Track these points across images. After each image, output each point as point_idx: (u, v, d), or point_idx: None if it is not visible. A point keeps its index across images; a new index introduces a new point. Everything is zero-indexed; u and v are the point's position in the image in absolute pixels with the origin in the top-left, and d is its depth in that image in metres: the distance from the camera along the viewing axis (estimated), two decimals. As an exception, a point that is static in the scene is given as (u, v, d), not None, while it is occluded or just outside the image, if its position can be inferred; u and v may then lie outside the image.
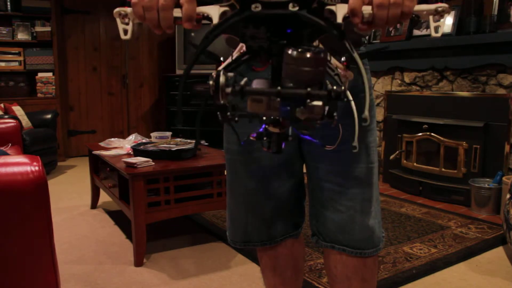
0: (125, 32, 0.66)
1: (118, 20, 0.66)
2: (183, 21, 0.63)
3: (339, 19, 0.60)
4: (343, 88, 0.55)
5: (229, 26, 0.60)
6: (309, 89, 0.54)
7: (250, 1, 0.58)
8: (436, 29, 0.64)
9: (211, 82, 0.56)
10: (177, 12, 0.63)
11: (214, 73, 0.57)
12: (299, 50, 0.55)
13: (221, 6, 0.61)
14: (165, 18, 0.63)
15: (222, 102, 0.57)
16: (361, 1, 0.60)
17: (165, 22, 0.64)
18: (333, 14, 0.61)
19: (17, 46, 4.78)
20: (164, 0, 0.62)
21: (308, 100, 0.54)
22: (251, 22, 0.60)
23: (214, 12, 0.62)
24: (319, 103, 0.55)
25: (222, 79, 0.56)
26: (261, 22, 0.60)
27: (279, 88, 0.55)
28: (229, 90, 0.56)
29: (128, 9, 0.66)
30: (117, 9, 0.66)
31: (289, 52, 0.55)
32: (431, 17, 0.64)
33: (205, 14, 0.63)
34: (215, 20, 0.62)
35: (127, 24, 0.67)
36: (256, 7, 0.58)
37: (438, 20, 0.64)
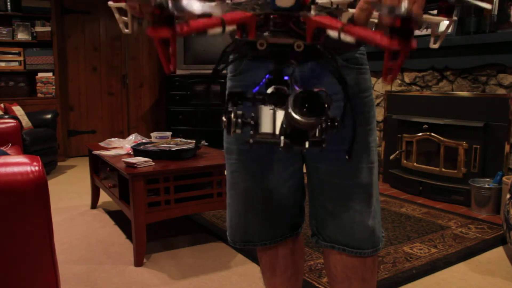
0: (125, 25, 0.66)
1: (116, 14, 0.66)
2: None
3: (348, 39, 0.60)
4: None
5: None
6: (307, 144, 0.60)
7: (254, 41, 0.59)
8: (435, 40, 0.64)
9: (224, 119, 0.62)
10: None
11: (225, 110, 0.63)
12: (302, 111, 0.58)
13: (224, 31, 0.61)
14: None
15: (232, 135, 0.62)
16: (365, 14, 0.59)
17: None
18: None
19: (17, 46, 4.78)
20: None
21: (307, 146, 0.61)
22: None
23: (217, 32, 0.62)
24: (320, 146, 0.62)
25: (233, 118, 0.62)
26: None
27: (282, 138, 0.61)
28: (239, 131, 0.63)
29: (122, 4, 0.65)
30: (111, 3, 0.65)
31: (291, 112, 0.58)
32: (432, 28, 0.65)
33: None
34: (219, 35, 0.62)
35: (126, 16, 0.66)
36: (261, 45, 0.58)
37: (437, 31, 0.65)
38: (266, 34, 0.59)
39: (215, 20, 0.58)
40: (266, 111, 0.63)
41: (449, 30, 0.65)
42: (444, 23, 0.65)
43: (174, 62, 0.60)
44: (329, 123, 0.61)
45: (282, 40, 0.58)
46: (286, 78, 0.63)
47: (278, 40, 0.58)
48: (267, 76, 0.65)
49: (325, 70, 0.96)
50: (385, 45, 0.53)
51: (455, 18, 0.64)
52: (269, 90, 0.63)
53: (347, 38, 0.57)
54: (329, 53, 0.61)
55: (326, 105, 0.59)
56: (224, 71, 1.11)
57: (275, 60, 0.63)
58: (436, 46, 0.65)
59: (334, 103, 0.65)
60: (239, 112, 0.63)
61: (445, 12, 0.65)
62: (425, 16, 0.64)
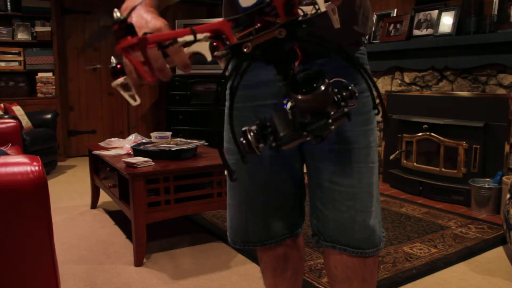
0: (133, 98, 0.67)
1: (121, 91, 0.67)
2: (181, 70, 0.65)
3: (321, 4, 0.60)
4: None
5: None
6: (330, 120, 0.61)
7: (239, 45, 0.59)
8: (337, 22, 0.64)
9: (243, 141, 0.63)
10: (170, 63, 0.64)
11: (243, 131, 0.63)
12: (302, 91, 0.59)
13: (207, 39, 0.61)
14: (165, 76, 0.65)
15: (258, 153, 0.64)
16: None
17: (166, 78, 0.65)
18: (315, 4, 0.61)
19: (17, 46, 4.78)
20: (157, 63, 0.62)
21: (331, 121, 0.61)
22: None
23: (204, 49, 0.62)
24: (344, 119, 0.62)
25: (251, 138, 0.63)
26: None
27: (304, 132, 0.62)
28: (262, 145, 0.64)
29: (122, 79, 0.66)
30: (114, 83, 0.66)
31: (296, 96, 0.60)
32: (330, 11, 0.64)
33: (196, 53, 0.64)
34: (208, 56, 0.62)
35: (130, 90, 0.67)
36: (246, 48, 0.59)
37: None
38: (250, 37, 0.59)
39: (185, 29, 0.58)
40: (280, 114, 0.63)
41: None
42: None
43: (152, 71, 0.61)
44: (344, 92, 0.62)
45: (264, 37, 0.58)
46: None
47: (261, 39, 0.58)
48: (286, 99, 0.65)
49: (333, 66, 0.96)
50: None
51: None
52: (289, 105, 0.64)
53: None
54: (337, 46, 0.61)
55: (324, 74, 0.59)
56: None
57: (282, 76, 0.63)
58: (338, 26, 0.65)
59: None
60: (253, 128, 0.63)
61: None
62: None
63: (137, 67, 0.61)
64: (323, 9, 0.60)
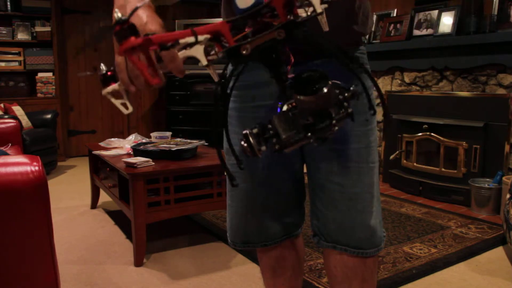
0: (125, 106, 0.66)
1: (111, 99, 0.65)
2: (176, 75, 0.64)
3: (317, 5, 0.59)
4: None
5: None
6: (333, 121, 0.60)
7: (237, 47, 0.58)
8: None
9: (244, 145, 0.62)
10: (163, 68, 0.63)
11: (244, 133, 0.62)
12: (305, 91, 0.59)
13: (200, 43, 0.60)
14: (162, 78, 0.64)
15: (260, 156, 0.63)
16: None
17: (162, 81, 0.64)
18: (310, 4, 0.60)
19: (17, 46, 4.78)
20: (174, 63, 0.61)
21: (334, 122, 0.61)
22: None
23: (198, 53, 0.61)
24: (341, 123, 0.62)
25: (253, 141, 0.62)
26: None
27: (307, 134, 0.61)
28: (264, 148, 0.62)
29: (115, 85, 0.65)
30: (104, 91, 0.64)
31: (299, 98, 0.59)
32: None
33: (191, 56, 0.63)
34: (203, 61, 0.61)
35: (121, 97, 0.66)
36: (245, 50, 0.58)
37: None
38: (248, 39, 0.59)
39: (186, 31, 0.58)
40: (281, 117, 0.63)
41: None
42: None
43: (156, 73, 0.60)
44: (346, 93, 0.62)
45: (263, 38, 0.58)
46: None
47: (260, 40, 0.58)
48: (279, 103, 0.65)
49: (331, 67, 0.96)
50: None
51: None
52: (284, 108, 0.63)
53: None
54: (335, 47, 0.61)
55: (326, 75, 0.59)
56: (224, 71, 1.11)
57: (277, 80, 0.62)
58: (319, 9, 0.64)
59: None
60: (255, 131, 0.63)
61: None
62: None
63: (143, 70, 0.60)
64: (319, 10, 0.59)
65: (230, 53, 0.59)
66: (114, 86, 0.65)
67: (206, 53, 0.61)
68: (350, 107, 0.62)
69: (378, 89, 0.67)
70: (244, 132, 0.63)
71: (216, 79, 0.63)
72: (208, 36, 0.59)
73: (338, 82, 0.63)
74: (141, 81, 0.63)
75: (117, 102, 0.65)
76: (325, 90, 0.58)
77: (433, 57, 3.39)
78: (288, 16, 0.58)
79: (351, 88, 0.63)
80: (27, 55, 4.80)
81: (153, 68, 0.61)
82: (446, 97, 3.34)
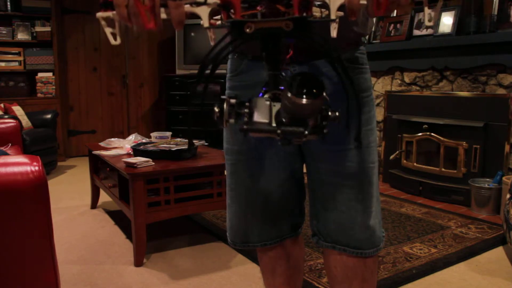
0: (114, 36, 0.65)
1: (103, 24, 0.64)
2: (174, 25, 0.62)
3: (333, 11, 0.59)
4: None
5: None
6: (306, 131, 0.60)
7: (241, 23, 0.58)
8: (429, 17, 0.63)
9: (216, 109, 0.61)
10: (164, 14, 0.62)
11: (219, 104, 0.62)
12: (298, 93, 0.58)
13: (208, 5, 0.60)
14: (158, 24, 0.62)
15: (224, 127, 0.62)
16: None
17: (158, 27, 0.63)
18: (326, 7, 0.60)
19: (17, 46, 4.78)
20: (176, 11, 0.60)
21: (306, 133, 0.60)
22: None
23: (203, 13, 0.61)
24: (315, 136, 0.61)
25: (226, 108, 0.61)
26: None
27: (278, 130, 0.60)
28: (232, 121, 0.62)
29: (111, 13, 0.63)
30: (99, 14, 0.63)
31: (288, 95, 0.58)
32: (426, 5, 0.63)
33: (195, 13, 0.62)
34: (205, 23, 0.61)
35: (114, 27, 0.65)
36: (249, 28, 0.58)
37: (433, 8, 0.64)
38: (256, 19, 0.58)
39: None
40: (262, 102, 0.62)
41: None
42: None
43: (154, 17, 0.59)
44: (329, 112, 0.61)
45: (270, 24, 0.57)
46: (282, 88, 0.62)
47: (266, 24, 0.57)
48: (263, 88, 0.64)
49: (325, 70, 0.96)
50: None
51: None
52: (266, 96, 0.63)
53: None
54: (331, 50, 0.60)
55: (324, 86, 0.58)
56: (224, 71, 1.11)
57: (270, 65, 0.62)
58: (431, 23, 0.64)
59: (335, 103, 0.65)
60: (232, 101, 0.62)
61: None
62: None
63: (141, 10, 0.58)
64: (333, 16, 0.59)
65: (234, 25, 0.58)
66: (109, 14, 0.63)
67: (210, 17, 0.61)
68: (326, 128, 0.62)
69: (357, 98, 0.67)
70: (223, 97, 0.63)
71: (212, 42, 0.63)
72: (218, 1, 0.58)
73: (327, 98, 0.62)
74: (138, 20, 0.62)
75: (107, 30, 0.64)
76: (316, 100, 0.58)
77: (433, 57, 3.39)
78: (302, 11, 0.57)
79: (336, 113, 0.62)
80: (27, 55, 4.80)
81: (153, 12, 0.59)
82: (446, 97, 3.34)
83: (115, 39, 0.64)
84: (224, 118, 0.62)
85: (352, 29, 0.97)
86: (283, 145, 0.64)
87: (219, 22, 0.65)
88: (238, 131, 0.91)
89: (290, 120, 0.60)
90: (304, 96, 0.57)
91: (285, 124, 0.60)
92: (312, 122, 0.61)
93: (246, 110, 0.62)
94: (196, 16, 0.62)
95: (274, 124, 0.61)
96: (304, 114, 0.59)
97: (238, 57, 1.07)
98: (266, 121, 0.61)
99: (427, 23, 0.64)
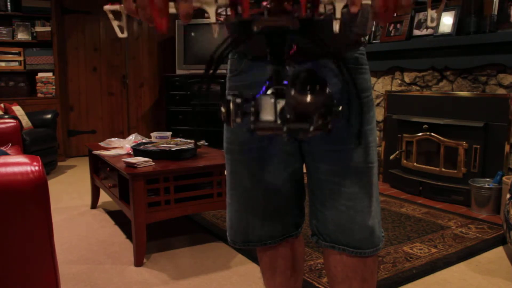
0: (121, 29, 0.65)
1: (110, 17, 0.64)
2: (181, 17, 0.62)
3: (338, 12, 0.60)
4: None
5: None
6: (311, 127, 0.60)
7: (250, 24, 0.58)
8: (432, 18, 0.64)
9: (222, 110, 0.62)
10: (172, 8, 0.62)
11: (225, 102, 0.62)
12: (301, 90, 0.58)
13: (216, 1, 0.61)
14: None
15: (232, 126, 0.62)
16: None
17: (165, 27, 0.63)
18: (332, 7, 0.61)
19: (17, 46, 4.78)
20: (185, 3, 0.60)
21: (311, 130, 0.60)
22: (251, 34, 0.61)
23: (211, 8, 0.61)
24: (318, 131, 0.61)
25: (232, 108, 0.62)
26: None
27: (283, 127, 0.61)
28: (239, 120, 0.63)
29: (118, 6, 0.63)
30: (107, 7, 0.63)
31: (292, 92, 0.59)
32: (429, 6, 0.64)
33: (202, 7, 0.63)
34: (212, 18, 0.61)
35: (121, 20, 0.65)
36: (257, 26, 0.59)
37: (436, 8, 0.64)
38: (263, 17, 0.59)
39: None
40: (266, 100, 0.63)
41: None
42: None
43: (164, 14, 0.59)
44: (333, 107, 0.62)
45: (277, 22, 0.58)
46: (285, 82, 0.63)
47: (273, 23, 0.58)
48: (267, 82, 0.65)
49: (326, 70, 0.96)
50: None
51: None
52: (269, 92, 0.63)
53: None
54: (331, 51, 0.60)
55: (326, 82, 0.59)
56: (224, 71, 1.11)
57: (274, 60, 0.63)
58: (433, 24, 0.65)
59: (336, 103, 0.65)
60: (238, 101, 0.63)
61: None
62: None
63: (152, 7, 0.58)
64: (338, 15, 0.59)
65: (242, 23, 0.59)
66: (116, 7, 0.63)
67: (218, 13, 0.61)
68: (330, 124, 0.62)
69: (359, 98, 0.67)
70: (228, 97, 0.63)
71: (215, 35, 0.63)
72: (227, 1, 0.59)
73: (331, 93, 0.63)
74: (146, 13, 0.62)
75: (114, 23, 0.64)
76: (320, 96, 0.58)
77: (433, 57, 3.39)
78: (309, 11, 0.58)
79: (339, 108, 0.62)
80: (27, 55, 4.80)
81: (163, 8, 0.59)
82: (446, 97, 3.34)
83: (122, 32, 0.64)
84: (231, 118, 0.62)
85: (352, 30, 0.97)
86: (289, 141, 0.64)
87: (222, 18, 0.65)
88: (238, 130, 0.91)
89: (295, 116, 0.60)
90: (308, 93, 0.57)
91: (290, 121, 0.61)
92: (316, 118, 0.61)
93: (252, 109, 0.63)
94: (196, 16, 0.62)
95: (279, 122, 0.62)
96: (309, 111, 0.59)
97: (238, 57, 1.07)
98: (272, 119, 0.62)
99: (429, 24, 0.64)
